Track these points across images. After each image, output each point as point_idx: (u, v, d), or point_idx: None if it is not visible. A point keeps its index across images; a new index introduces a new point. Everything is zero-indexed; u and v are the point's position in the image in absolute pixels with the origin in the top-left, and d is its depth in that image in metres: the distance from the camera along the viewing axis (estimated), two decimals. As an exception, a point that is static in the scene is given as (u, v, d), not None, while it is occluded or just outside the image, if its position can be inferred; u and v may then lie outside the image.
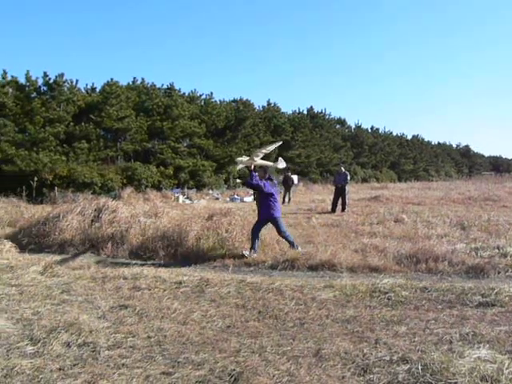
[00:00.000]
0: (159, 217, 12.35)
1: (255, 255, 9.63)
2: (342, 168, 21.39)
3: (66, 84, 30.26)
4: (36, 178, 24.55)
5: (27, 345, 5.14)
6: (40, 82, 29.36)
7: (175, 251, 10.19)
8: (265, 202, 10.07)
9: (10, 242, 11.13)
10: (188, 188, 32.35)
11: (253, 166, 10.21)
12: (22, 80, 29.08)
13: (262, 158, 10.64)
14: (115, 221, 11.76)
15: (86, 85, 34.80)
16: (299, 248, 10.05)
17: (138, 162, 31.41)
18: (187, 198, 28.17)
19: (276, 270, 9.00)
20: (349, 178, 20.65)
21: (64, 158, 27.34)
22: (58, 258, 10.20)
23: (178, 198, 26.71)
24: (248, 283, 7.78)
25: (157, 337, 5.37)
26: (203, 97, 42.91)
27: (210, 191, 33.17)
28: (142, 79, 39.10)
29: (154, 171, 31.18)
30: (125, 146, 32.39)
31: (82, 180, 26.13)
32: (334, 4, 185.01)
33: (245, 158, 10.86)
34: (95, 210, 12.36)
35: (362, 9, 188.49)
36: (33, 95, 28.93)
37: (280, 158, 11.31)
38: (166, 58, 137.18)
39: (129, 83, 37.76)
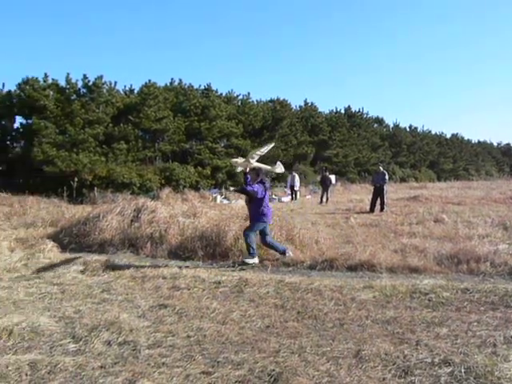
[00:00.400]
0: (198, 217, 12.42)
1: (291, 253, 9.58)
2: (381, 167, 21.19)
3: (104, 86, 30.76)
4: (76, 179, 24.98)
5: (69, 342, 5.23)
6: (80, 84, 29.91)
7: (214, 251, 10.22)
8: (255, 208, 9.60)
9: (52, 242, 11.36)
10: (225, 188, 32.48)
11: (248, 169, 9.98)
12: (62, 83, 29.68)
13: (257, 160, 10.39)
14: (154, 221, 11.87)
15: (125, 86, 35.39)
16: (255, 259, 9.44)
17: (175, 163, 31.70)
18: (225, 198, 28.27)
19: (315, 270, 8.95)
20: (387, 177, 20.45)
21: (103, 158, 27.80)
22: (98, 257, 10.33)
23: (215, 199, 26.83)
24: (287, 283, 7.76)
25: (196, 336, 5.40)
26: (240, 97, 43.10)
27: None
28: (180, 80, 39.52)
29: (192, 171, 31.41)
30: (163, 146, 32.71)
31: (121, 180, 26.51)
32: (371, 4, 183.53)
33: (240, 160, 10.63)
34: (134, 210, 12.50)
35: (400, 9, 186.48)
36: (73, 97, 29.42)
37: (278, 162, 11.08)
38: (203, 59, 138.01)
39: (166, 84, 38.14)
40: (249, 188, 9.56)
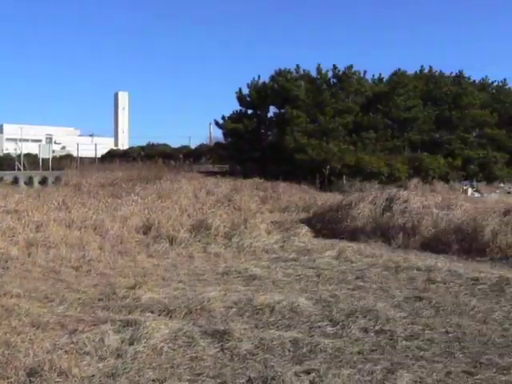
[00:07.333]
0: (452, 209, 11.97)
1: None
2: None
3: (354, 75, 31.02)
4: (328, 167, 25.67)
5: (327, 325, 5.46)
6: (330, 74, 30.59)
7: (470, 246, 9.85)
8: None
9: (306, 227, 11.84)
10: (477, 181, 30.85)
11: None
12: (313, 73, 30.65)
13: None
14: (407, 211, 11.75)
15: (373, 75, 35.21)
16: None
17: (425, 153, 30.89)
18: (476, 190, 26.90)
19: None
20: None
21: (352, 147, 28.10)
22: (349, 244, 10.52)
23: (466, 191, 25.64)
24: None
25: (455, 333, 5.27)
26: (495, 84, 40.35)
27: (502, 184, 31.22)
28: (430, 67, 38.20)
29: (442, 162, 30.31)
30: (412, 136, 32.04)
31: (370, 170, 26.56)
32: None
33: None
34: (386, 200, 12.50)
35: None
36: (323, 87, 30.17)
37: None
38: (454, 44, 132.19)
39: (416, 72, 37.14)
40: None
